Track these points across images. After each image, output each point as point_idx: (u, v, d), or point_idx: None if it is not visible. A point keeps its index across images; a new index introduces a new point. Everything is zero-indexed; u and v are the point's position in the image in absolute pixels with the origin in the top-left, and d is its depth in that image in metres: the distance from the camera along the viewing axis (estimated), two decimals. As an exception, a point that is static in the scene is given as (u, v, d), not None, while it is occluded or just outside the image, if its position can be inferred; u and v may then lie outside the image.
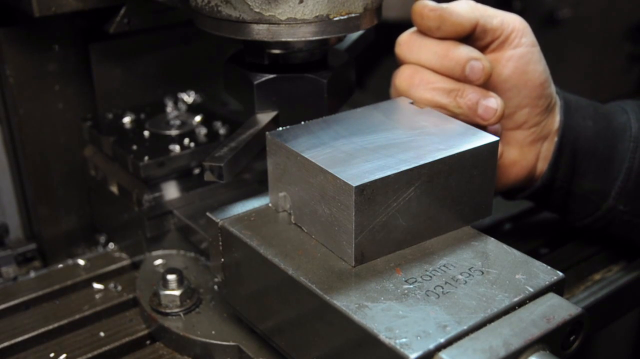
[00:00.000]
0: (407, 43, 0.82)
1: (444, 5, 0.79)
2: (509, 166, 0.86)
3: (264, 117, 0.78)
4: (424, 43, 0.80)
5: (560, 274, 0.64)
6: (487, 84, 0.80)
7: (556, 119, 0.86)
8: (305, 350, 0.66)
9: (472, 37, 0.81)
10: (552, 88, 0.85)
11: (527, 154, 0.86)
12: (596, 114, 0.87)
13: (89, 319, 0.84)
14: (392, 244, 0.67)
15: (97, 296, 0.87)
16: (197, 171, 0.91)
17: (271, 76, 0.78)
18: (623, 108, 0.89)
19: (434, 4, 0.79)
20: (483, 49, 0.82)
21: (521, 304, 0.61)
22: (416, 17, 0.80)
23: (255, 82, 0.77)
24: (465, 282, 0.63)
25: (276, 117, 0.78)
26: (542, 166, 0.87)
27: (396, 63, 0.85)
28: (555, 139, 0.85)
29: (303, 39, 0.71)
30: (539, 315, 0.60)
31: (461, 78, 0.79)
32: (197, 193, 0.90)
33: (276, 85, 0.78)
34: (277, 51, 0.78)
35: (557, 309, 0.60)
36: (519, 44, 0.81)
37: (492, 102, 0.78)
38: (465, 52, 0.78)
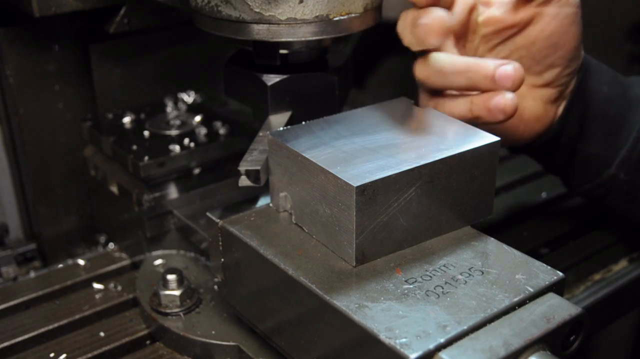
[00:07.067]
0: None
1: None
2: (533, 122, 0.85)
3: (281, 118, 0.77)
4: None
5: (560, 274, 0.64)
6: (528, 37, 0.79)
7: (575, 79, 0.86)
8: (305, 350, 0.66)
9: None
10: (582, 51, 0.85)
11: (549, 111, 0.86)
12: (613, 81, 0.87)
13: (89, 319, 0.84)
14: (392, 244, 0.67)
15: (97, 296, 0.87)
16: (197, 170, 0.91)
17: (285, 76, 0.77)
18: None
19: None
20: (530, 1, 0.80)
21: (521, 304, 0.61)
22: None
23: (270, 84, 0.77)
24: (465, 282, 0.63)
25: (290, 116, 0.78)
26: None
27: (396, 62, 0.85)
28: (568, 97, 0.85)
29: (303, 39, 0.71)
30: (539, 315, 0.60)
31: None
32: (197, 193, 0.90)
33: (289, 85, 0.77)
34: (287, 51, 0.78)
35: (557, 309, 0.60)
36: (567, 2, 0.79)
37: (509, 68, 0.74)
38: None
